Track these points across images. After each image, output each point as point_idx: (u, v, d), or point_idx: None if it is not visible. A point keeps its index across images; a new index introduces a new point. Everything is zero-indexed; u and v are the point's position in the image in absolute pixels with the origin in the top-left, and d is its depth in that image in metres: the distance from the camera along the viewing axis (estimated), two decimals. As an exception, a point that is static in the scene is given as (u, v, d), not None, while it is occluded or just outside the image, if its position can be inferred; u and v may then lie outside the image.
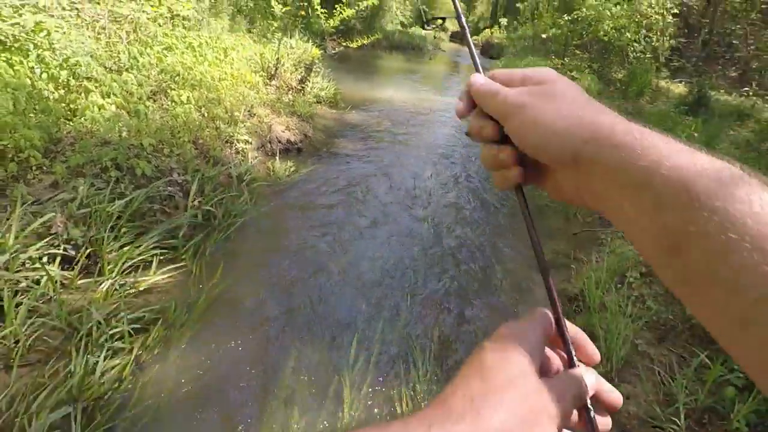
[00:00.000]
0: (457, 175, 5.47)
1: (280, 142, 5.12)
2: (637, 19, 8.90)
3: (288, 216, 3.82)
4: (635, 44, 9.04)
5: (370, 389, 2.23)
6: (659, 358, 2.50)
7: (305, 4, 6.76)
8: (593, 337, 1.93)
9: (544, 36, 11.89)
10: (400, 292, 3.07)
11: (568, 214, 4.70)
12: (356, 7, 6.99)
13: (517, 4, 17.84)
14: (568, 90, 0.40)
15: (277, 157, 4.75)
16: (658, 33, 8.97)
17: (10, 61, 3.30)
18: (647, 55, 9.13)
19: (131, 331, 2.17)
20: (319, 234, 3.62)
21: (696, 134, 6.55)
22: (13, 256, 2.17)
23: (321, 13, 6.69)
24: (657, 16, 8.80)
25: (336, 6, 6.90)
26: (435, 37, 24.46)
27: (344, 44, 8.70)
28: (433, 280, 3.28)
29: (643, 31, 9.03)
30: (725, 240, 0.27)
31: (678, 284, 0.31)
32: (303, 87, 6.69)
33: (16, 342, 1.95)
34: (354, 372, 2.33)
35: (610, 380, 2.41)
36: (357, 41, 8.02)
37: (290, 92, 6.44)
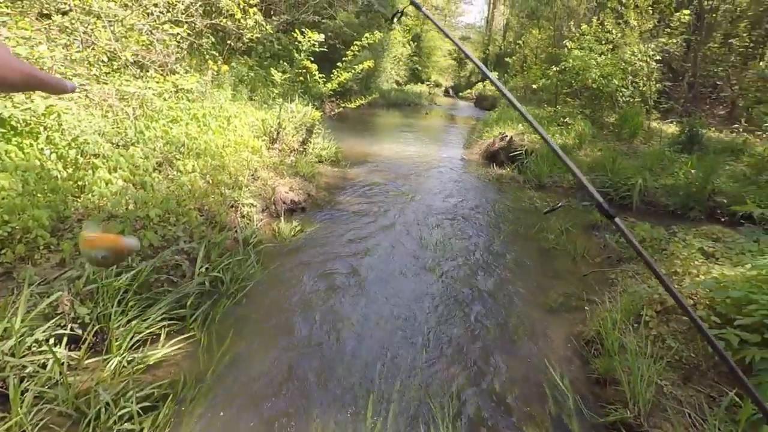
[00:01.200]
0: (460, 224, 5.47)
1: (284, 202, 5.18)
2: (622, 66, 9.26)
3: (295, 276, 3.78)
4: (623, 89, 9.36)
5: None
6: (687, 399, 2.39)
7: (304, 70, 7.08)
8: (616, 382, 1.85)
9: (534, 87, 12.34)
10: (414, 348, 2.97)
11: (575, 256, 4.66)
12: (352, 71, 7.31)
13: (506, 59, 18.67)
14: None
15: (282, 218, 4.78)
16: (645, 78, 9.31)
17: (21, 145, 3.41)
18: (636, 99, 9.43)
19: (140, 411, 2.08)
20: (328, 293, 3.57)
21: (693, 171, 6.62)
22: (19, 341, 2.12)
23: (319, 78, 7.00)
24: (641, 63, 9.16)
25: (333, 71, 7.23)
26: (430, 93, 25.46)
27: (342, 105, 9.02)
28: (446, 333, 3.19)
29: (630, 77, 9.38)
30: None
31: None
32: (305, 148, 6.86)
33: (21, 432, 1.86)
34: (373, 442, 2.20)
35: (639, 426, 2.29)
36: (354, 101, 8.32)
37: (292, 154, 6.60)
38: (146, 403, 2.14)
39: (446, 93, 33.41)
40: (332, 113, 9.98)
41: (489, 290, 3.88)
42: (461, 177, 8.09)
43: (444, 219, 5.61)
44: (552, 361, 2.92)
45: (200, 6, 6.20)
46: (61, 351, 2.23)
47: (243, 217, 4.44)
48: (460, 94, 32.14)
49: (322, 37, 6.10)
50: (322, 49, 6.42)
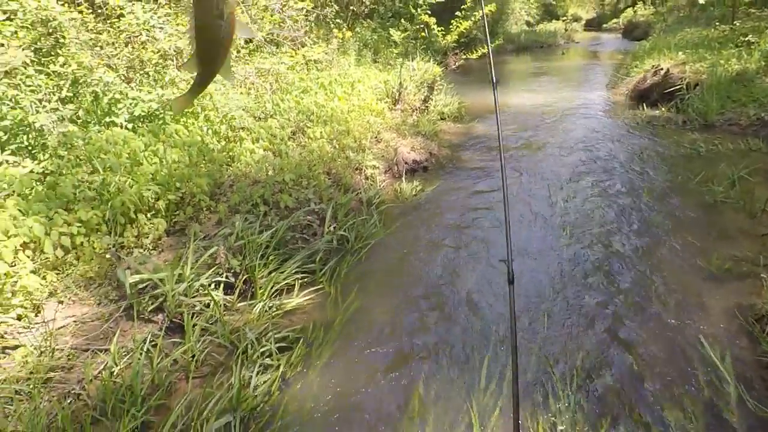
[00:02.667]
0: (599, 176, 4.95)
1: (406, 163, 5.29)
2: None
3: (415, 235, 3.90)
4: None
5: (501, 420, 2.11)
6: None
7: (423, 26, 6.93)
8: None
9: (702, 2, 10.16)
10: (536, 311, 2.87)
11: (752, 210, 3.88)
12: (472, 18, 6.92)
13: (665, -26, 15.64)
14: None
15: (404, 178, 4.91)
16: None
17: (186, 124, 4.05)
18: None
19: (277, 350, 2.44)
20: (447, 251, 3.61)
21: None
22: (189, 284, 2.62)
23: (438, 31, 6.80)
24: None
25: (452, 21, 6.94)
26: (566, 30, 22.81)
27: (465, 56, 8.66)
28: (577, 296, 3.00)
29: None
30: None
31: None
32: (426, 106, 6.83)
33: (193, 357, 2.34)
34: (486, 396, 2.24)
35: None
36: (477, 51, 7.90)
37: (414, 113, 6.63)
38: (282, 344, 2.49)
39: (588, 26, 29.50)
40: (455, 66, 9.66)
41: (633, 251, 3.49)
42: (602, 123, 7.23)
43: (579, 171, 5.13)
44: (709, 338, 2.52)
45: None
46: (219, 295, 2.70)
47: (367, 178, 4.67)
48: (605, 25, 28.09)
49: (438, -13, 5.86)
50: (439, 0, 6.18)
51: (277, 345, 2.45)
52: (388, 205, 4.38)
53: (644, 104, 7.63)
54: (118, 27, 4.16)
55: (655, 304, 2.87)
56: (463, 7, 6.92)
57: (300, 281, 3.07)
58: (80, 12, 3.94)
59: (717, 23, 9.70)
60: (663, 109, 7.20)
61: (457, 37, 7.05)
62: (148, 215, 3.02)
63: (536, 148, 6.10)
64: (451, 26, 6.96)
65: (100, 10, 4.17)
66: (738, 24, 8.99)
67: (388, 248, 3.71)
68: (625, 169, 5.18)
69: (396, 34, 6.65)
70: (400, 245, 3.76)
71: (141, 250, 2.85)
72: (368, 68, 7.64)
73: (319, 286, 3.11)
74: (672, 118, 6.82)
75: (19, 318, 2.21)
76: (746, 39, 7.91)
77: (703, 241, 3.55)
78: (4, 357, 2.04)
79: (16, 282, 2.25)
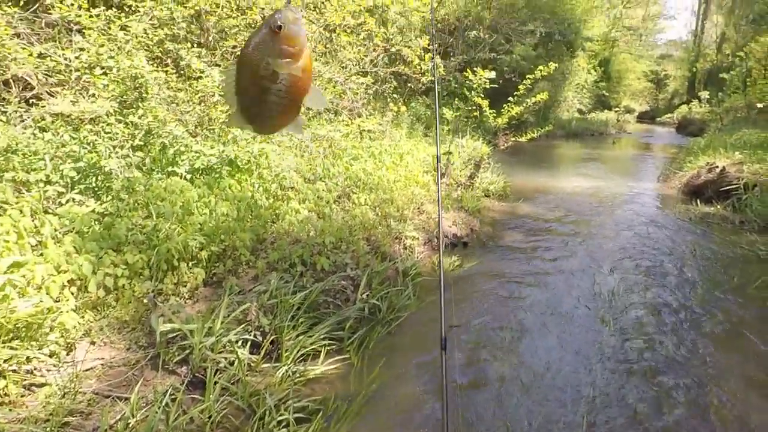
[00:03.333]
0: (647, 272, 4.69)
1: (446, 236, 5.25)
2: None
3: (449, 311, 3.76)
4: None
5: None
6: None
7: (476, 106, 7.19)
8: None
9: (760, 105, 10.03)
10: (572, 412, 2.63)
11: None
12: (525, 104, 7.11)
13: (722, 75, 15.70)
14: None
15: (442, 252, 4.84)
16: None
17: (239, 180, 4.26)
18: None
19: (295, 420, 2.32)
20: (480, 335, 3.44)
21: None
22: (217, 339, 2.61)
23: (490, 113, 7.01)
24: None
25: (504, 105, 7.16)
26: (618, 120, 22.98)
27: (515, 138, 8.82)
28: (617, 401, 2.73)
29: None
30: None
31: None
32: (472, 182, 6.89)
33: (209, 417, 2.27)
34: None
35: None
36: (528, 134, 8.04)
37: (459, 188, 6.69)
38: (301, 415, 2.38)
39: (640, 119, 29.61)
40: (505, 146, 9.83)
41: (680, 357, 3.20)
42: (652, 215, 6.98)
43: (625, 264, 4.90)
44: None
45: (384, 57, 6.92)
46: (245, 353, 2.66)
47: (405, 248, 4.65)
48: (659, 119, 28.09)
49: (493, 74, 6.13)
50: (493, 85, 6.44)
51: (296, 415, 2.34)
52: (424, 277, 4.30)
53: (697, 200, 7.36)
54: (195, 87, 4.57)
55: (705, 420, 2.56)
56: (515, 93, 7.16)
57: (327, 348, 2.99)
58: (165, 72, 4.38)
59: (779, 127, 9.48)
60: (718, 206, 6.90)
61: (507, 119, 7.24)
62: (190, 264, 3.10)
63: (585, 234, 5.92)
64: (503, 109, 7.17)
65: (182, 71, 4.62)
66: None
67: (420, 323, 3.59)
68: (676, 265, 4.89)
69: (448, 113, 6.90)
70: (433, 322, 3.62)
71: (177, 299, 2.90)
72: (418, 141, 7.90)
73: (345, 356, 3.01)
74: (728, 216, 6.50)
75: (51, 355, 2.25)
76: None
77: (764, 353, 3.21)
78: (29, 395, 2.05)
79: (56, 318, 2.31)
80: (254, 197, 4.15)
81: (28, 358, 2.16)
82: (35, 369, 2.15)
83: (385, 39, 6.60)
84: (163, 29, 4.28)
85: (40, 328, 2.25)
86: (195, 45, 4.72)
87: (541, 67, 6.72)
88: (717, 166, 7.74)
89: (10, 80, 3.57)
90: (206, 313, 2.75)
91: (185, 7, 4.53)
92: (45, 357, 2.21)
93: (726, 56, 23.12)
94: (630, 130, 22.61)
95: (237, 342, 2.71)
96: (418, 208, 5.41)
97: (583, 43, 15.96)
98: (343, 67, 6.65)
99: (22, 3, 3.70)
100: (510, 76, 9.65)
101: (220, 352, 2.62)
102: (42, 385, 2.11)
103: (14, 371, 2.10)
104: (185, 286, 3.01)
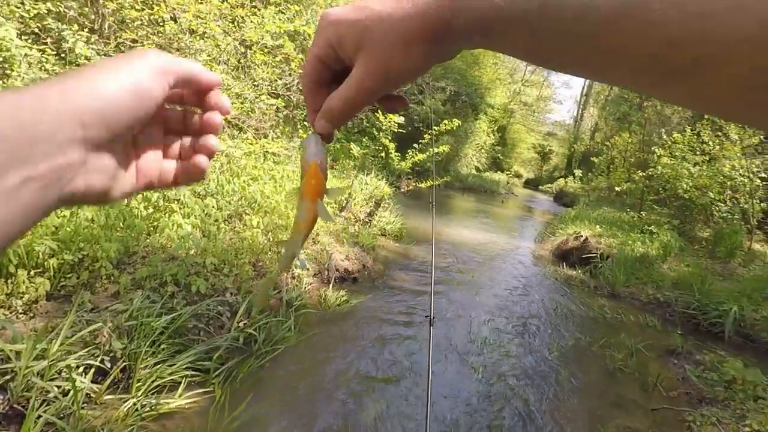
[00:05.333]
0: (516, 323, 5.09)
1: (337, 270, 5.21)
2: (720, 180, 8.60)
3: (329, 348, 3.67)
4: (720, 204, 8.61)
5: None
6: None
7: (383, 148, 7.44)
8: None
9: (618, 189, 11.82)
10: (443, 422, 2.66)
11: (645, 383, 4.07)
12: (428, 152, 7.54)
13: (592, 158, 18.32)
14: (374, 9, 0.39)
15: (331, 285, 4.78)
16: (747, 195, 8.52)
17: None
18: (735, 216, 8.59)
19: (133, 464, 2.03)
20: (357, 374, 3.40)
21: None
22: (51, 364, 2.22)
23: (394, 156, 7.29)
24: (743, 179, 8.45)
25: (409, 151, 7.51)
26: (508, 182, 25.41)
27: (416, 184, 9.24)
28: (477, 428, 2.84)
29: (728, 191, 8.65)
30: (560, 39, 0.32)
31: (552, 66, 0.36)
32: (370, 220, 7.01)
33: (20, 458, 1.88)
34: None
35: None
36: (427, 182, 8.49)
37: (357, 224, 6.76)
38: (142, 456, 2.09)
39: (526, 184, 33.13)
40: (406, 190, 10.24)
41: (535, 406, 3.46)
42: (527, 272, 7.68)
43: (500, 314, 5.27)
44: None
45: (299, 83, 6.90)
46: (85, 382, 2.29)
47: (293, 278, 4.51)
48: (541, 187, 31.66)
49: (401, 119, 6.43)
50: (400, 131, 6.74)
51: (134, 458, 2.04)
52: (308, 310, 4.18)
53: (564, 263, 8.30)
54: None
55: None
56: (421, 141, 7.56)
57: (189, 379, 2.71)
58: (42, 51, 3.85)
59: (628, 209, 11.22)
60: (579, 271, 7.85)
61: (411, 164, 7.58)
62: (32, 272, 2.65)
63: (465, 282, 6.28)
64: (408, 154, 7.50)
65: (64, 55, 4.11)
66: (644, 214, 10.44)
67: (297, 357, 3.44)
68: (540, 320, 5.39)
69: (355, 149, 7.04)
70: (310, 357, 3.51)
71: (6, 312, 2.44)
72: (323, 172, 7.88)
73: (208, 388, 2.76)
74: (586, 281, 7.40)
75: None
76: (649, 228, 9.12)
77: (600, 407, 3.61)
78: None
79: None
80: (130, 204, 3.75)
81: None
82: None
83: (302, 66, 6.61)
84: (46, 3, 3.79)
85: None
86: (85, 29, 4.25)
87: (446, 122, 7.22)
88: (581, 236, 8.85)
89: None
90: (42, 332, 2.34)
91: (81, -14, 4.10)
92: None
93: (597, 143, 27.09)
94: (517, 192, 25.13)
95: (77, 368, 2.34)
96: (313, 239, 5.32)
97: (486, 108, 17.61)
98: (255, 85, 6.49)
99: None
100: (418, 125, 10.23)
101: (52, 379, 2.23)
102: None
103: None
104: (21, 298, 2.55)
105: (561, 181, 27.96)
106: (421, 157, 7.47)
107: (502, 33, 0.35)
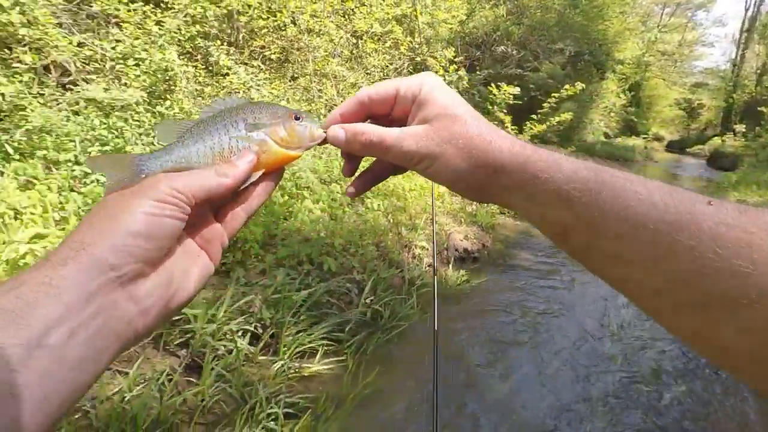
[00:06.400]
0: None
1: (456, 250, 5.25)
2: None
3: (450, 328, 3.76)
4: None
5: None
6: None
7: (498, 123, 7.19)
8: None
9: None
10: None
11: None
12: (548, 123, 7.08)
13: (761, 108, 15.32)
14: (468, 119, 0.43)
15: (451, 265, 4.85)
16: None
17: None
18: None
19: (284, 415, 2.36)
20: (478, 355, 3.44)
21: None
22: (218, 327, 2.68)
23: (512, 129, 7.00)
24: None
25: (527, 122, 7.14)
26: (646, 148, 22.56)
27: (535, 157, 8.77)
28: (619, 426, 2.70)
29: None
30: (595, 227, 0.37)
31: (574, 257, 0.42)
32: (488, 197, 6.87)
33: (202, 401, 2.33)
34: None
35: None
36: (549, 154, 7.98)
37: (474, 203, 6.68)
38: (290, 410, 2.42)
39: (669, 148, 28.96)
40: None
41: (683, 394, 3.14)
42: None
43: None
44: None
45: (409, 66, 7.00)
46: (244, 344, 2.72)
47: (414, 258, 4.67)
48: (689, 149, 27.39)
49: (518, 90, 6.13)
50: (517, 102, 6.44)
51: (285, 410, 2.38)
52: (429, 289, 4.31)
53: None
54: (222, 83, 4.71)
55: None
56: (539, 111, 7.14)
57: (325, 348, 3.03)
58: (195, 67, 4.53)
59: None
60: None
61: (530, 137, 7.21)
62: (201, 253, 3.18)
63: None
64: (525, 126, 7.15)
65: (211, 68, 4.77)
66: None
67: (421, 334, 3.60)
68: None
69: (469, 126, 6.92)
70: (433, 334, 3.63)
71: (184, 285, 2.98)
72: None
73: (341, 357, 3.05)
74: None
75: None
76: None
77: None
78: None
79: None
80: (269, 193, 4.23)
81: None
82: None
83: (411, 48, 6.67)
84: (195, 26, 4.44)
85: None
86: (225, 43, 4.87)
87: (567, 87, 6.69)
88: (746, 203, 7.55)
89: (50, 65, 3.75)
90: (211, 301, 2.83)
91: (218, 7, 4.69)
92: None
93: (766, 89, 22.51)
94: (657, 159, 22.14)
95: (237, 332, 2.78)
96: (430, 219, 5.43)
97: (613, 66, 15.77)
98: (367, 74, 6.74)
99: (67, -7, 3.90)
100: (535, 93, 9.62)
101: (219, 340, 2.69)
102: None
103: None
104: (193, 274, 3.09)
105: (716, 140, 23.90)
106: (540, 128, 7.07)
107: (541, 204, 0.42)
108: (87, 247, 0.33)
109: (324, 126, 0.49)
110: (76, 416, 2.01)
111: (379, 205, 4.96)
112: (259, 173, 0.48)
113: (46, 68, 3.75)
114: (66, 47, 3.66)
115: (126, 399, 2.14)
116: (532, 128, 7.04)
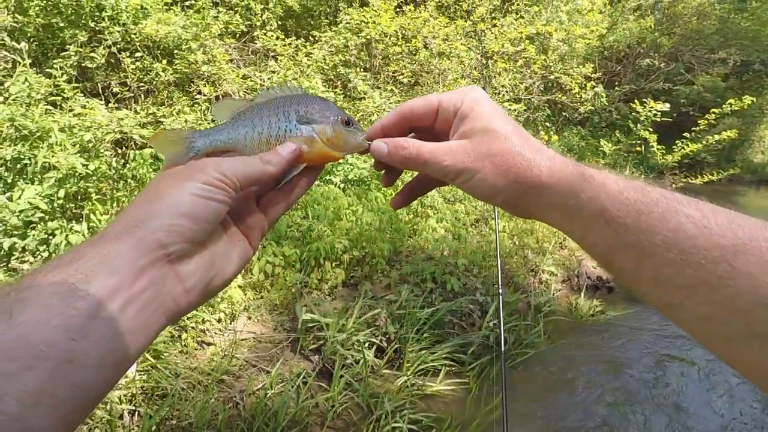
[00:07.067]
0: None
1: (588, 277, 4.83)
2: None
3: (582, 361, 3.45)
4: None
5: None
6: None
7: (640, 141, 6.51)
8: None
9: None
10: None
11: None
12: (704, 141, 6.19)
13: None
14: (509, 135, 0.43)
15: (583, 294, 4.47)
16: None
17: (386, 193, 4.55)
18: None
19: (408, 431, 2.38)
20: (611, 396, 3.08)
21: None
22: (348, 337, 2.82)
23: (657, 149, 6.28)
24: None
25: (677, 141, 6.34)
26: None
27: (686, 179, 7.71)
28: None
29: None
30: (641, 250, 0.35)
31: (620, 281, 0.39)
32: (626, 223, 6.23)
33: (332, 407, 2.46)
34: None
35: None
36: (704, 176, 6.96)
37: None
38: (414, 427, 2.42)
39: None
40: (672, 188, 8.66)
41: None
42: None
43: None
44: None
45: (540, 84, 6.73)
46: (370, 355, 2.82)
47: (541, 283, 4.41)
48: None
49: (666, 106, 5.48)
50: (664, 119, 5.76)
51: (409, 426, 2.39)
52: (558, 317, 4.02)
53: None
54: (358, 106, 5.05)
55: None
56: (693, 129, 6.29)
57: (447, 367, 3.00)
58: (335, 92, 4.94)
59: None
60: None
61: (679, 157, 6.39)
62: (333, 264, 3.41)
63: None
64: (675, 146, 6.36)
65: (349, 92, 5.15)
66: None
67: (548, 364, 3.36)
68: None
69: (607, 146, 6.38)
70: (562, 366, 3.37)
71: (319, 293, 3.21)
72: (567, 173, 7.46)
73: (464, 380, 2.98)
74: None
75: (219, 320, 2.69)
76: None
77: None
78: (201, 349, 2.49)
79: (227, 291, 2.76)
80: (396, 211, 4.39)
81: (203, 319, 2.61)
82: (207, 330, 2.60)
83: (544, 66, 6.41)
84: (338, 56, 4.85)
85: (215, 297, 2.72)
86: (362, 69, 5.23)
87: (732, 101, 5.79)
88: None
89: (220, 96, 4.42)
90: (341, 311, 3.00)
91: (358, 36, 5.07)
92: (215, 321, 2.65)
93: None
94: None
95: (365, 343, 2.89)
96: (560, 243, 5.09)
97: None
98: (496, 93, 6.64)
99: (238, 35, 4.58)
100: (687, 109, 8.49)
101: (348, 349, 2.82)
102: (209, 344, 2.54)
103: (192, 328, 2.57)
104: (327, 283, 3.32)
105: None
106: (693, 147, 6.21)
107: (585, 226, 0.40)
108: (140, 224, 0.35)
109: (367, 137, 0.49)
110: (228, 405, 2.27)
111: (504, 226, 4.80)
112: (302, 166, 0.49)
113: (217, 98, 4.42)
114: (234, 79, 4.28)
115: (268, 395, 2.36)
116: (684, 148, 6.22)
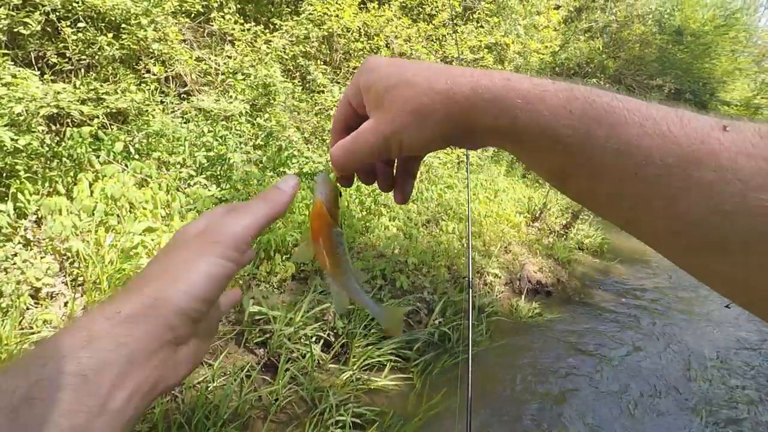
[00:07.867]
0: (753, 369, 4.10)
1: (529, 281, 5.06)
2: None
3: (521, 358, 3.62)
4: None
5: None
6: None
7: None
8: None
9: None
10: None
11: None
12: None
13: None
14: (410, 78, 0.37)
15: (523, 296, 4.68)
16: None
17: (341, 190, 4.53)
18: None
19: (351, 424, 2.39)
20: (548, 390, 3.26)
21: None
22: (295, 330, 2.79)
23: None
24: None
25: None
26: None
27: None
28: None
29: None
30: (593, 168, 0.32)
31: (577, 201, 0.37)
32: (566, 232, 6.58)
33: (276, 400, 2.42)
34: None
35: None
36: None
37: (551, 235, 6.43)
38: (357, 420, 2.44)
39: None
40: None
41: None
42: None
43: (729, 354, 4.32)
44: None
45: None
46: (317, 350, 2.80)
47: (485, 284, 4.57)
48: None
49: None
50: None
51: (353, 419, 2.41)
52: (499, 317, 4.19)
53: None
54: (316, 99, 5.00)
55: None
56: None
57: (392, 363, 3.04)
58: (293, 83, 4.85)
59: None
60: None
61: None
62: (284, 257, 3.36)
63: (687, 313, 5.34)
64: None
65: (307, 85, 5.08)
66: None
67: (488, 362, 3.50)
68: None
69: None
70: (501, 364, 3.51)
71: (267, 286, 3.15)
72: (515, 181, 7.77)
73: (408, 375, 3.03)
74: None
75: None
76: None
77: None
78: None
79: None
80: (349, 207, 4.38)
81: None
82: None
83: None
84: (298, 46, 4.78)
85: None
86: (322, 62, 5.18)
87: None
88: None
89: (170, 77, 4.22)
90: (290, 305, 2.96)
91: (320, 29, 5.01)
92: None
93: None
94: None
95: (312, 337, 2.87)
96: (505, 248, 5.30)
97: (718, 106, 14.53)
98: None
99: (193, 15, 4.38)
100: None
101: (295, 343, 2.79)
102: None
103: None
104: (276, 276, 3.26)
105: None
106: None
107: (530, 149, 0.35)
108: (156, 304, 0.35)
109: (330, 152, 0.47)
110: (167, 398, 2.18)
111: (454, 228, 4.93)
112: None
113: (167, 79, 4.21)
114: (186, 61, 4.10)
115: (209, 389, 2.29)
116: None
